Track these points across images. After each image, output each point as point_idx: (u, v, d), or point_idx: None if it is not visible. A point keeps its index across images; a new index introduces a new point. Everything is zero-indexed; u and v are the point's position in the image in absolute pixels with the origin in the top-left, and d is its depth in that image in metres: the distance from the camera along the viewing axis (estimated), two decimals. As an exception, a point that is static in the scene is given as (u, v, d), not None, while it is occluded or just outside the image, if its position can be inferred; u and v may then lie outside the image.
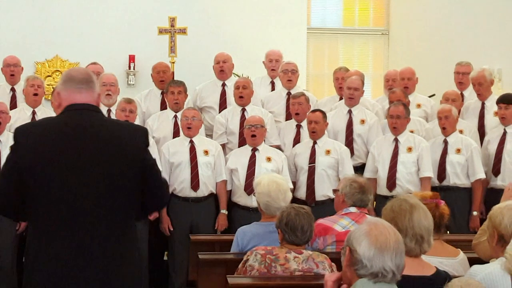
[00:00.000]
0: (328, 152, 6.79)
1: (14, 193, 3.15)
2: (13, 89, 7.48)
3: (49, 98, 8.32)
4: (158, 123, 7.19)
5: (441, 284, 2.85)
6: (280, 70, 7.71)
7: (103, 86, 7.07)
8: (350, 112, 7.29)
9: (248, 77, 8.14)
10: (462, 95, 7.70)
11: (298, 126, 7.19)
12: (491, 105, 7.28)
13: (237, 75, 8.47)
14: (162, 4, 9.78)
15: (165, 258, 7.00)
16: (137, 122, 6.87)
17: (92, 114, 3.25)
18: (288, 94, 7.55)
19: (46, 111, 7.02)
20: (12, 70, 7.50)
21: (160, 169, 6.47)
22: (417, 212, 3.36)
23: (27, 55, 8.86)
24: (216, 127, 7.25)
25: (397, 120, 6.79)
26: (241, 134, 7.06)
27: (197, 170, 6.61)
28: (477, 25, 10.11)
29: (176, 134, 7.03)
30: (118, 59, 9.63)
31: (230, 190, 6.78)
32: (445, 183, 6.89)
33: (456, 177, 6.89)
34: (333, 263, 4.11)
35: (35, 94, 7.00)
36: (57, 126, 3.22)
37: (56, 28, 9.68)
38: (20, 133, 3.21)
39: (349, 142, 7.14)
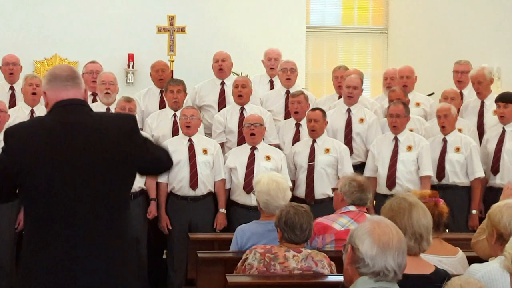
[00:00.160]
0: (327, 150, 6.79)
1: (5, 191, 3.22)
2: (12, 88, 7.48)
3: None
4: (157, 122, 7.19)
5: (440, 283, 2.85)
6: (279, 69, 7.70)
7: (102, 84, 7.07)
8: (349, 110, 7.29)
9: (247, 75, 8.14)
10: (461, 93, 7.70)
11: (298, 125, 7.19)
12: (491, 104, 7.28)
13: (236, 73, 8.46)
14: (161, 2, 9.78)
15: (164, 256, 6.99)
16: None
17: (80, 108, 3.24)
18: (287, 92, 7.54)
19: (44, 109, 6.97)
20: (11, 69, 7.50)
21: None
22: (416, 210, 3.36)
23: (26, 53, 8.84)
24: (215, 126, 7.25)
25: (397, 119, 6.79)
26: (240, 133, 7.06)
27: (196, 169, 6.61)
28: (476, 24, 10.11)
29: (175, 132, 7.03)
30: (117, 57, 9.63)
31: (229, 189, 6.78)
32: (444, 181, 6.89)
33: (455, 176, 6.89)
34: (332, 262, 4.11)
35: (34, 93, 6.99)
36: (46, 125, 3.22)
37: (55, 27, 9.68)
38: (9, 134, 3.20)
39: (348, 140, 7.14)
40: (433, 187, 6.50)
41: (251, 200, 6.47)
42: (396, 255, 2.73)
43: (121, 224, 3.20)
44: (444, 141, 6.94)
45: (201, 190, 6.63)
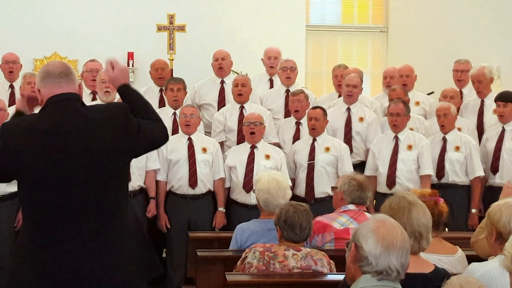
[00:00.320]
0: (327, 149, 6.79)
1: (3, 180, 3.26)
2: (11, 86, 7.49)
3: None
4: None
5: (439, 282, 2.85)
6: (279, 68, 7.70)
7: (102, 83, 7.05)
8: (348, 109, 7.29)
9: (246, 74, 8.14)
10: (461, 92, 7.70)
11: (298, 123, 7.19)
12: (491, 103, 7.28)
13: (235, 72, 8.46)
14: (161, 1, 9.77)
15: (164, 255, 6.99)
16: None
17: (73, 104, 3.23)
18: (287, 91, 7.54)
19: (43, 107, 7.00)
20: (11, 67, 7.50)
21: (159, 166, 6.56)
22: (416, 209, 3.36)
23: (26, 52, 8.86)
24: (215, 125, 7.25)
25: (397, 117, 6.78)
26: (239, 131, 7.06)
27: (195, 167, 6.61)
28: (476, 23, 10.11)
29: (175, 131, 7.03)
30: (117, 56, 9.50)
31: (229, 188, 6.78)
32: (443, 180, 6.89)
33: (455, 175, 6.89)
34: (331, 261, 4.11)
35: (32, 92, 6.98)
36: (40, 123, 3.20)
37: (55, 25, 9.68)
38: (4, 132, 3.20)
39: (347, 139, 7.14)
40: (432, 186, 6.50)
41: (250, 199, 6.48)
42: (400, 255, 2.73)
43: (118, 222, 3.19)
44: (444, 140, 6.94)
45: (200, 188, 6.63)
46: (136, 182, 6.45)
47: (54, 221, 3.09)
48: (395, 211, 3.35)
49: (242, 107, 7.21)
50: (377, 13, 11.31)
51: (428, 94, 8.29)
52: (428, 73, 9.24)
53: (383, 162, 6.80)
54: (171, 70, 8.28)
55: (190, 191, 6.62)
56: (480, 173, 6.86)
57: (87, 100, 6.97)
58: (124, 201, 3.27)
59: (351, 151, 7.07)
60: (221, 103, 7.57)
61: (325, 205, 6.13)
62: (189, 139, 6.71)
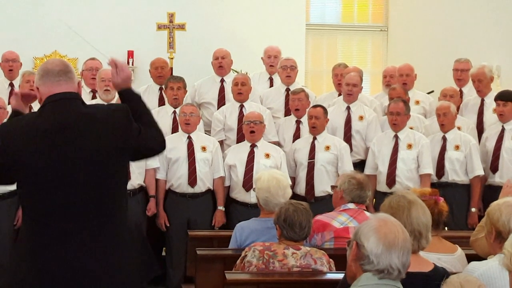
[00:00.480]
0: (327, 148, 6.80)
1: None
2: (11, 85, 7.49)
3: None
4: (157, 119, 7.15)
5: (439, 281, 2.85)
6: (279, 66, 7.70)
7: (102, 81, 7.05)
8: (348, 108, 7.29)
9: (246, 73, 8.14)
10: (461, 91, 7.70)
11: (298, 122, 7.19)
12: (491, 102, 7.28)
13: (235, 71, 8.46)
14: (161, 0, 9.76)
15: (163, 254, 6.99)
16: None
17: (72, 102, 3.22)
18: (287, 90, 7.54)
19: (41, 106, 7.00)
20: (11, 66, 7.51)
21: (158, 165, 6.56)
22: (415, 208, 3.36)
23: (26, 50, 8.85)
24: (214, 124, 7.25)
25: (397, 116, 6.78)
26: (239, 130, 7.06)
27: (195, 166, 6.62)
28: (476, 22, 10.11)
29: (175, 129, 7.03)
30: (117, 54, 9.52)
31: (228, 186, 6.78)
32: (443, 179, 6.89)
33: (454, 174, 6.89)
34: (331, 259, 4.11)
35: (31, 90, 6.98)
36: (38, 120, 3.20)
37: (55, 23, 9.65)
38: (2, 132, 3.20)
39: (347, 138, 7.14)
40: (432, 185, 6.50)
41: (250, 197, 6.48)
42: (401, 254, 2.74)
43: (117, 221, 3.18)
44: (444, 139, 6.94)
45: (200, 187, 6.63)
46: (135, 180, 6.46)
47: (54, 220, 3.08)
48: (394, 210, 3.35)
49: (241, 106, 7.21)
50: (377, 12, 11.30)
51: (428, 93, 8.29)
52: (428, 72, 9.24)
53: (383, 161, 6.80)
54: (171, 68, 8.28)
55: (190, 190, 6.62)
56: (480, 172, 6.86)
57: (86, 98, 6.97)
58: (124, 201, 3.26)
59: (351, 149, 7.07)
60: (221, 101, 7.57)
61: (325, 203, 6.13)
62: (189, 137, 6.71)
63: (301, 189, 6.77)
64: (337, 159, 6.79)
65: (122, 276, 3.15)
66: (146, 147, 3.32)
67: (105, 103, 6.98)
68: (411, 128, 7.03)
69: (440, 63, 9.43)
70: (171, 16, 8.84)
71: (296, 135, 7.15)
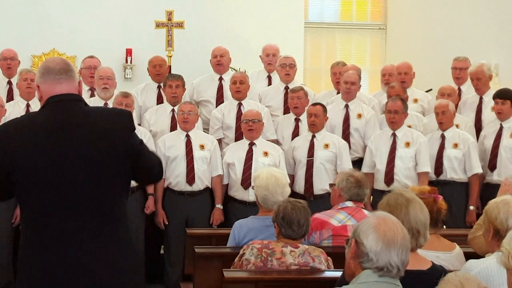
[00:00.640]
0: (326, 146, 6.80)
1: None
2: (9, 82, 7.48)
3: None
4: (155, 117, 7.19)
5: (437, 279, 2.85)
6: (278, 64, 7.70)
7: (100, 79, 7.06)
8: (347, 106, 7.29)
9: (245, 71, 8.14)
10: (459, 90, 7.71)
11: (297, 120, 7.19)
12: (489, 100, 7.29)
13: (234, 69, 8.46)
14: (159, -2, 9.77)
15: (162, 252, 6.99)
16: (133, 116, 6.85)
17: (74, 104, 3.20)
18: (286, 88, 7.54)
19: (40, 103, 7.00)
20: (9, 64, 7.50)
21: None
22: (413, 206, 3.36)
23: (24, 48, 8.84)
24: (212, 122, 7.25)
25: (395, 115, 6.79)
26: (237, 128, 7.06)
27: (193, 164, 6.62)
28: (475, 20, 10.11)
29: (173, 128, 7.02)
30: (115, 52, 9.62)
31: (227, 184, 6.78)
32: (442, 177, 6.90)
33: (453, 172, 6.89)
34: (329, 257, 4.12)
35: (28, 88, 6.99)
36: (39, 121, 3.17)
37: (53, 21, 9.66)
38: (2, 131, 3.18)
39: (345, 136, 7.15)
40: (431, 183, 6.50)
41: (248, 195, 6.48)
42: (400, 251, 2.74)
43: (117, 222, 3.16)
44: (442, 137, 6.95)
45: (198, 185, 6.64)
46: (134, 178, 6.45)
47: (53, 220, 3.07)
48: (392, 208, 3.35)
49: (240, 104, 7.21)
50: (376, 10, 11.30)
51: (427, 91, 8.29)
52: (426, 71, 9.24)
53: (381, 159, 6.81)
54: (169, 66, 8.28)
55: (188, 188, 6.62)
56: (479, 170, 6.87)
57: (85, 96, 6.97)
58: (124, 201, 3.25)
59: (349, 147, 7.07)
60: (220, 100, 7.57)
61: (324, 202, 6.12)
62: (187, 136, 6.71)
63: (300, 187, 6.77)
64: (336, 157, 6.79)
65: (122, 276, 3.14)
66: (146, 161, 3.28)
67: (104, 101, 7.01)
68: (409, 126, 7.03)
69: (439, 61, 9.43)
70: (169, 14, 8.83)
71: (295, 133, 7.16)
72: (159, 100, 7.50)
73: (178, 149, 6.65)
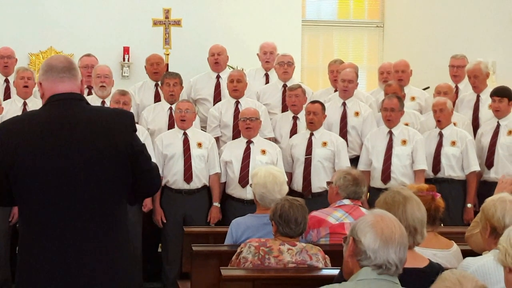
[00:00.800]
0: (324, 144, 6.80)
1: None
2: (6, 81, 7.46)
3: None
4: (153, 115, 7.18)
5: (434, 276, 2.85)
6: (276, 62, 7.70)
7: (97, 78, 7.05)
8: (344, 104, 7.30)
9: (242, 69, 8.13)
10: (457, 87, 7.71)
11: (295, 118, 7.19)
12: (486, 98, 7.29)
13: (231, 67, 8.45)
14: (156, -4, 9.76)
15: (159, 250, 6.99)
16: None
17: (75, 103, 3.19)
18: (284, 86, 7.54)
19: (37, 102, 6.98)
20: (6, 62, 7.48)
21: (154, 160, 6.55)
22: (411, 204, 3.36)
23: (21, 46, 8.83)
24: (210, 120, 7.24)
25: (391, 113, 6.79)
26: (235, 127, 7.06)
27: (190, 162, 6.61)
28: (472, 18, 10.12)
29: (171, 126, 7.02)
30: (113, 50, 9.60)
31: (224, 183, 6.78)
32: (440, 175, 6.91)
33: (451, 170, 6.90)
34: (326, 255, 4.12)
35: (25, 86, 6.99)
36: (39, 120, 3.16)
37: (51, 19, 9.65)
38: (2, 129, 3.17)
39: (343, 134, 7.15)
40: (429, 181, 6.51)
41: (246, 193, 6.49)
42: (398, 249, 2.74)
43: (116, 222, 3.15)
44: (440, 135, 6.95)
45: (196, 183, 6.63)
46: (131, 176, 6.44)
47: (53, 220, 3.06)
48: (390, 206, 3.35)
49: (237, 102, 7.21)
50: (373, 8, 11.30)
51: (424, 89, 8.29)
52: (424, 68, 9.25)
53: (377, 157, 6.81)
54: (167, 65, 8.27)
55: (185, 186, 6.62)
56: (476, 168, 6.88)
57: (82, 94, 6.95)
58: (125, 201, 3.24)
59: (347, 145, 7.07)
60: (217, 98, 7.57)
61: (322, 200, 6.12)
62: (185, 134, 6.71)
63: (298, 185, 6.77)
64: (334, 155, 6.80)
65: (121, 276, 3.13)
66: (146, 164, 3.24)
67: (101, 100, 7.01)
68: (406, 125, 7.04)
69: (436, 59, 9.43)
70: (167, 12, 8.83)
71: (293, 131, 7.16)
72: (157, 98, 7.50)
73: (175, 147, 6.64)
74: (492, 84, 8.08)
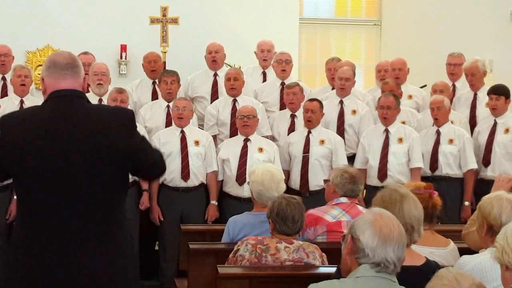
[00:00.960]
0: (322, 142, 6.81)
1: None
2: (3, 78, 7.46)
3: (40, 88, 8.27)
4: (150, 113, 7.18)
5: (431, 274, 2.85)
6: (274, 60, 7.69)
7: (95, 75, 7.05)
8: (341, 102, 7.30)
9: (239, 67, 8.13)
10: (454, 86, 7.72)
11: (293, 116, 7.20)
12: (483, 96, 7.30)
13: (229, 65, 8.45)
14: (154, -7, 9.74)
15: (156, 248, 6.99)
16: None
17: (76, 100, 3.18)
18: (282, 84, 7.54)
19: (34, 100, 6.99)
20: (3, 60, 7.47)
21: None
22: (407, 202, 3.37)
23: (18, 44, 8.81)
24: (207, 119, 7.24)
25: (388, 110, 6.80)
26: (232, 125, 7.06)
27: (188, 160, 6.62)
28: (469, 17, 10.12)
29: (168, 124, 7.02)
30: (110, 48, 9.58)
31: (222, 180, 6.78)
32: (437, 173, 6.91)
33: (448, 167, 6.91)
34: (323, 253, 4.12)
35: (22, 85, 6.98)
36: (40, 115, 3.16)
37: (48, 17, 9.62)
38: (3, 123, 3.16)
39: (340, 132, 7.15)
40: (426, 179, 6.51)
41: (243, 191, 6.49)
42: (396, 247, 2.75)
43: (116, 221, 3.16)
44: (438, 133, 6.96)
45: (193, 181, 6.63)
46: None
47: (53, 220, 3.05)
48: (387, 204, 3.36)
49: (235, 100, 7.20)
50: (371, 6, 11.29)
51: (421, 87, 8.30)
52: (421, 66, 9.24)
53: (374, 155, 6.82)
54: (164, 62, 8.27)
55: (183, 184, 6.62)
56: (474, 165, 6.88)
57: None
58: (123, 200, 3.24)
59: (344, 143, 7.07)
60: (214, 96, 7.57)
61: (320, 197, 6.09)
62: (182, 131, 6.71)
63: (295, 183, 6.78)
64: (331, 153, 6.80)
65: (121, 275, 3.13)
66: (148, 158, 3.25)
67: (98, 97, 7.00)
68: (403, 123, 7.04)
69: (433, 57, 9.43)
70: (164, 10, 8.81)
71: (291, 129, 7.16)
72: (154, 96, 7.49)
73: (173, 145, 6.64)
74: (489, 82, 8.08)
